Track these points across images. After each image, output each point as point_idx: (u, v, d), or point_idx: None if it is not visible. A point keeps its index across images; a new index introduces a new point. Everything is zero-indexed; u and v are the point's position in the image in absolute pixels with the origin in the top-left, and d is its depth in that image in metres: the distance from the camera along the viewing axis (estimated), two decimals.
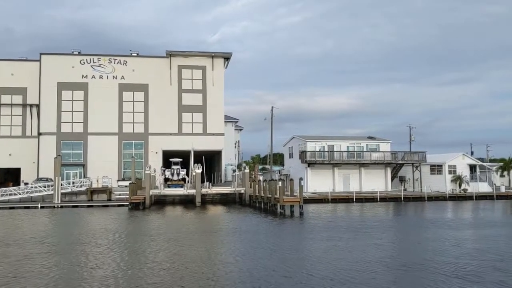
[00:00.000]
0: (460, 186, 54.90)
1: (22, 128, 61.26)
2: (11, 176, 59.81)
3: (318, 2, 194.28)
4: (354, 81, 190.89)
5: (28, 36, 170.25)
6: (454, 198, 51.88)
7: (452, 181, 55.65)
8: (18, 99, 61.30)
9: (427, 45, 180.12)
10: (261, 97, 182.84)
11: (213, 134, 63.07)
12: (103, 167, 57.33)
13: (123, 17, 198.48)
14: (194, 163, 48.99)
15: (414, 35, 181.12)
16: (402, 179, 59.40)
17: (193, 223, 29.33)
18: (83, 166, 59.53)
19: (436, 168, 57.31)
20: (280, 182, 31.81)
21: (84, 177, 56.15)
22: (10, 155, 59.67)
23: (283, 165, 69.50)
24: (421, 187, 55.69)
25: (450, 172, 56.34)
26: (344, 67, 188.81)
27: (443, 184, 55.24)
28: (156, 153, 61.63)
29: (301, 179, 36.37)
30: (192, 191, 42.98)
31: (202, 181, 44.90)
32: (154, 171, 49.61)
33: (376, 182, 55.18)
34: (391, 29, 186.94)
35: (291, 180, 32.52)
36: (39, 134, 59.43)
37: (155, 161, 58.78)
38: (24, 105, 61.23)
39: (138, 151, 61.59)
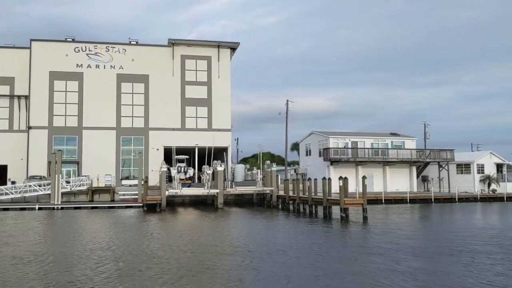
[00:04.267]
0: (489, 186, 51.52)
1: (9, 121, 55.54)
2: None
3: (296, 2, 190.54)
4: (333, 83, 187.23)
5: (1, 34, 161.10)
6: (484, 199, 48.58)
7: (480, 181, 52.25)
8: (5, 89, 55.61)
9: (406, 47, 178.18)
10: (240, 97, 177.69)
11: (219, 130, 58.37)
12: (100, 164, 52.31)
13: (98, 15, 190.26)
14: (213, 160, 44.28)
15: (393, 38, 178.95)
16: (425, 179, 55.70)
17: (236, 235, 23.09)
18: (78, 163, 54.06)
19: (464, 167, 53.81)
20: (341, 181, 27.24)
21: (79, 175, 50.89)
22: None
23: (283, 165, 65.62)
24: (449, 187, 52.08)
25: (478, 172, 52.92)
26: (323, 68, 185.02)
27: (471, 184, 51.83)
28: (157, 149, 56.66)
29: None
30: (214, 191, 38.10)
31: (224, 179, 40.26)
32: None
33: (401, 181, 51.55)
34: (370, 31, 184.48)
35: (345, 178, 27.88)
36: (29, 128, 53.70)
37: (156, 158, 53.91)
38: (11, 96, 55.56)
39: (138, 147, 56.43)
